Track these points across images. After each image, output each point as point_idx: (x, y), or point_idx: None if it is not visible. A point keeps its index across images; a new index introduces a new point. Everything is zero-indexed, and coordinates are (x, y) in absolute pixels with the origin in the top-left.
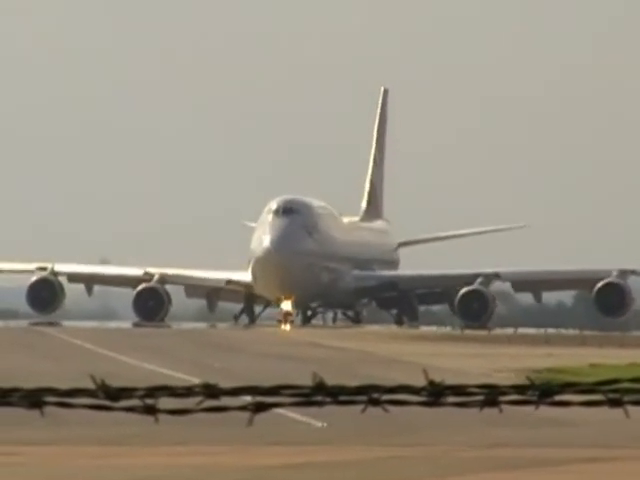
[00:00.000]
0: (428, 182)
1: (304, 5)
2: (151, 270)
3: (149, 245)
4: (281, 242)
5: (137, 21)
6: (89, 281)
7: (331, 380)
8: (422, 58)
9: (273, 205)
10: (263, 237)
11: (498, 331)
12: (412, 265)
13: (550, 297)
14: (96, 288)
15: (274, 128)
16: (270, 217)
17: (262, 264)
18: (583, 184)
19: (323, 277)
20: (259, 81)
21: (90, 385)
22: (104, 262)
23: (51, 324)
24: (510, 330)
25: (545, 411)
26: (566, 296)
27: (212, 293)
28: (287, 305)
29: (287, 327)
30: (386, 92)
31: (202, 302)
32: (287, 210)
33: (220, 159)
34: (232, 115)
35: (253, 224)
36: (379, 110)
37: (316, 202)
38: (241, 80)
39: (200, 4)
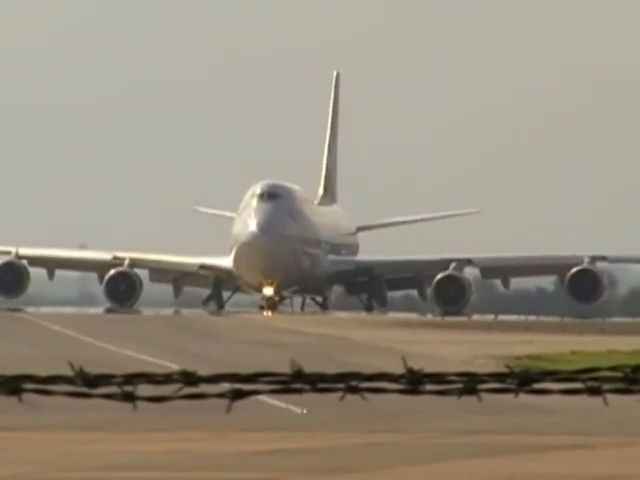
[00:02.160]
0: (378, 167)
1: None
2: (120, 254)
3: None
4: (268, 226)
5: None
6: (53, 265)
7: (310, 367)
8: (374, 41)
9: (257, 189)
10: (249, 221)
11: (478, 317)
12: (366, 250)
13: (529, 283)
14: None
15: (228, 113)
16: (255, 201)
17: (248, 248)
18: (549, 170)
19: (304, 262)
20: (213, 64)
21: (69, 372)
22: (82, 247)
23: (17, 310)
24: (490, 317)
25: (524, 399)
26: (547, 282)
27: (179, 278)
28: (269, 290)
29: (269, 313)
30: (338, 76)
31: (164, 287)
32: (272, 195)
33: (172, 142)
34: (187, 98)
35: (205, 210)
36: (332, 94)
37: (296, 187)
38: (194, 64)
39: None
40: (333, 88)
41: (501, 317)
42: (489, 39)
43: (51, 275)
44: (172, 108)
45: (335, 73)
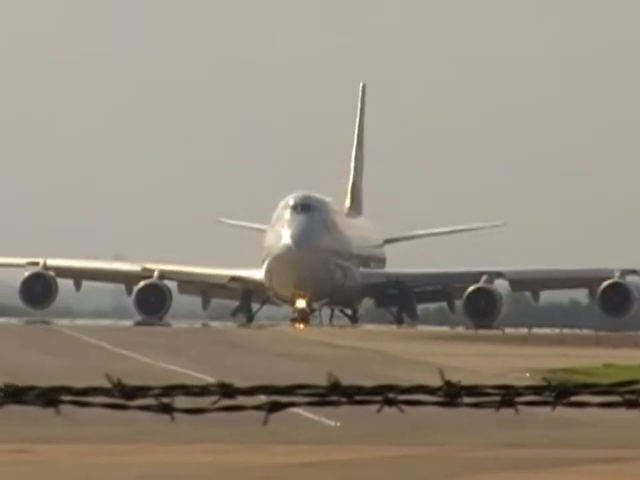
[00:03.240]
0: (405, 180)
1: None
2: (149, 266)
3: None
4: (302, 239)
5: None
6: (80, 276)
7: (346, 380)
8: (401, 53)
9: (290, 201)
10: (282, 233)
11: (511, 330)
12: (391, 262)
13: (562, 295)
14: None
15: (257, 128)
16: (288, 213)
17: (281, 260)
18: (578, 185)
19: (337, 275)
20: (242, 79)
21: (106, 384)
22: (117, 259)
23: (44, 322)
24: (523, 330)
25: (562, 411)
26: (580, 295)
27: (207, 290)
28: (302, 303)
29: (301, 326)
30: (364, 88)
31: (192, 299)
32: (305, 206)
33: (204, 158)
34: (220, 118)
35: (230, 221)
36: (359, 106)
37: (328, 198)
38: (224, 80)
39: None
40: (360, 100)
41: (535, 330)
42: (509, 53)
43: (78, 286)
44: (201, 124)
45: (362, 85)
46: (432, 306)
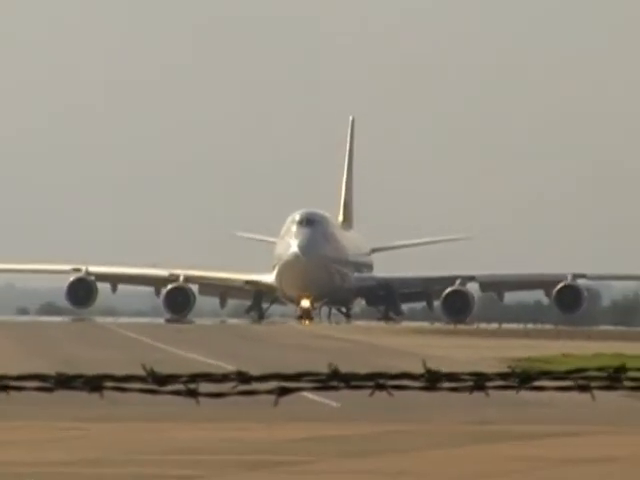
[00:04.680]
0: (389, 198)
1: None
2: (175, 272)
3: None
4: (307, 248)
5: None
6: (116, 281)
7: (344, 368)
8: (385, 89)
9: (297, 216)
10: (290, 243)
11: (484, 326)
12: (379, 268)
13: (527, 296)
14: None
15: (267, 158)
16: (295, 227)
17: (290, 267)
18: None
19: (336, 279)
20: (248, 111)
21: (142, 372)
22: (154, 266)
23: (84, 319)
24: (494, 325)
25: (524, 394)
26: (542, 295)
27: (224, 292)
28: (306, 302)
29: (307, 322)
30: (354, 121)
31: (211, 299)
32: (310, 221)
33: (224, 183)
34: (238, 149)
35: (245, 234)
36: (348, 139)
37: (327, 214)
38: (236, 108)
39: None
40: (349, 132)
41: (504, 325)
42: (480, 79)
43: (114, 289)
44: (222, 156)
45: (351, 118)
46: (414, 305)
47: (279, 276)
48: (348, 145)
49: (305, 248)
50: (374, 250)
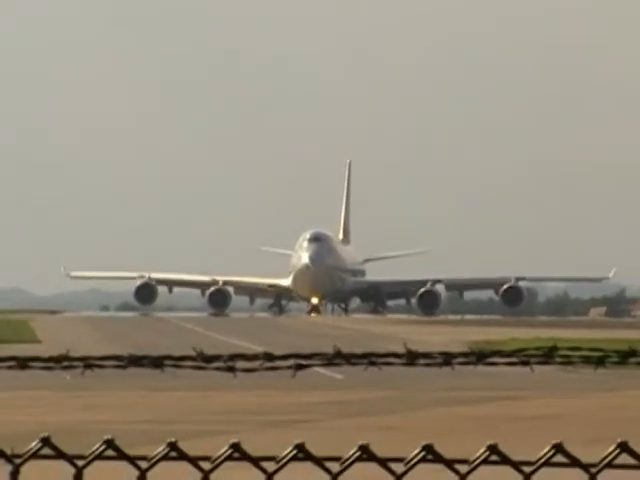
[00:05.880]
0: (377, 220)
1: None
2: (216, 277)
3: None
4: (315, 260)
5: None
6: (171, 284)
7: (345, 349)
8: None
9: (307, 235)
10: (302, 256)
11: (450, 317)
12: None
13: (482, 294)
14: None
15: (282, 186)
16: (305, 243)
17: (302, 274)
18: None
19: (337, 283)
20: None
21: (193, 353)
22: (204, 273)
23: (147, 314)
24: (458, 317)
25: (481, 368)
26: (491, 294)
27: (253, 292)
28: (315, 300)
29: (315, 315)
30: (350, 163)
31: (243, 298)
32: (317, 238)
33: (252, 208)
34: (264, 174)
35: (269, 249)
36: (346, 176)
37: (330, 233)
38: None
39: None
40: (347, 172)
41: (465, 317)
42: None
43: (170, 291)
44: (246, 180)
45: (348, 162)
46: (396, 302)
47: (294, 281)
48: (346, 181)
49: (313, 260)
50: (366, 260)
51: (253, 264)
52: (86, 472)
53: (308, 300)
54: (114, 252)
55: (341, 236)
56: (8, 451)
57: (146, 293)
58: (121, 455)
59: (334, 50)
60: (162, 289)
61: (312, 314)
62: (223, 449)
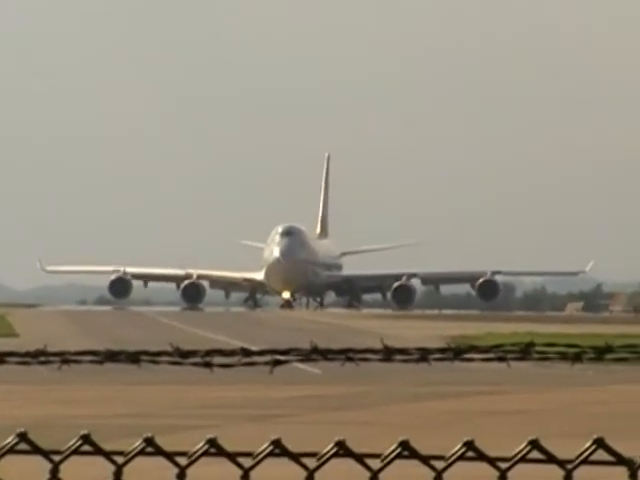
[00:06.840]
0: (356, 213)
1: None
2: (190, 271)
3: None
4: (286, 253)
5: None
6: (146, 279)
7: (322, 344)
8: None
9: (279, 229)
10: (274, 250)
11: (427, 312)
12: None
13: (460, 288)
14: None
15: (261, 182)
16: (277, 237)
17: (274, 268)
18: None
19: (310, 276)
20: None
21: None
22: (182, 267)
23: (120, 308)
24: (435, 311)
25: (458, 364)
26: (467, 288)
27: (228, 286)
28: (287, 294)
29: (287, 309)
30: (329, 157)
31: (218, 292)
32: (289, 232)
33: (222, 199)
34: (244, 174)
35: (249, 243)
36: (324, 170)
37: (303, 227)
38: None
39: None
40: (325, 166)
41: (442, 311)
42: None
43: (145, 285)
44: (231, 178)
45: (327, 155)
46: (372, 296)
47: (266, 274)
48: (324, 175)
49: (284, 253)
50: (344, 254)
51: (234, 258)
52: (62, 467)
53: (280, 294)
54: (95, 247)
55: (318, 230)
56: None
57: (120, 287)
58: (97, 450)
59: (316, 49)
60: (138, 283)
61: (286, 308)
62: (200, 444)
